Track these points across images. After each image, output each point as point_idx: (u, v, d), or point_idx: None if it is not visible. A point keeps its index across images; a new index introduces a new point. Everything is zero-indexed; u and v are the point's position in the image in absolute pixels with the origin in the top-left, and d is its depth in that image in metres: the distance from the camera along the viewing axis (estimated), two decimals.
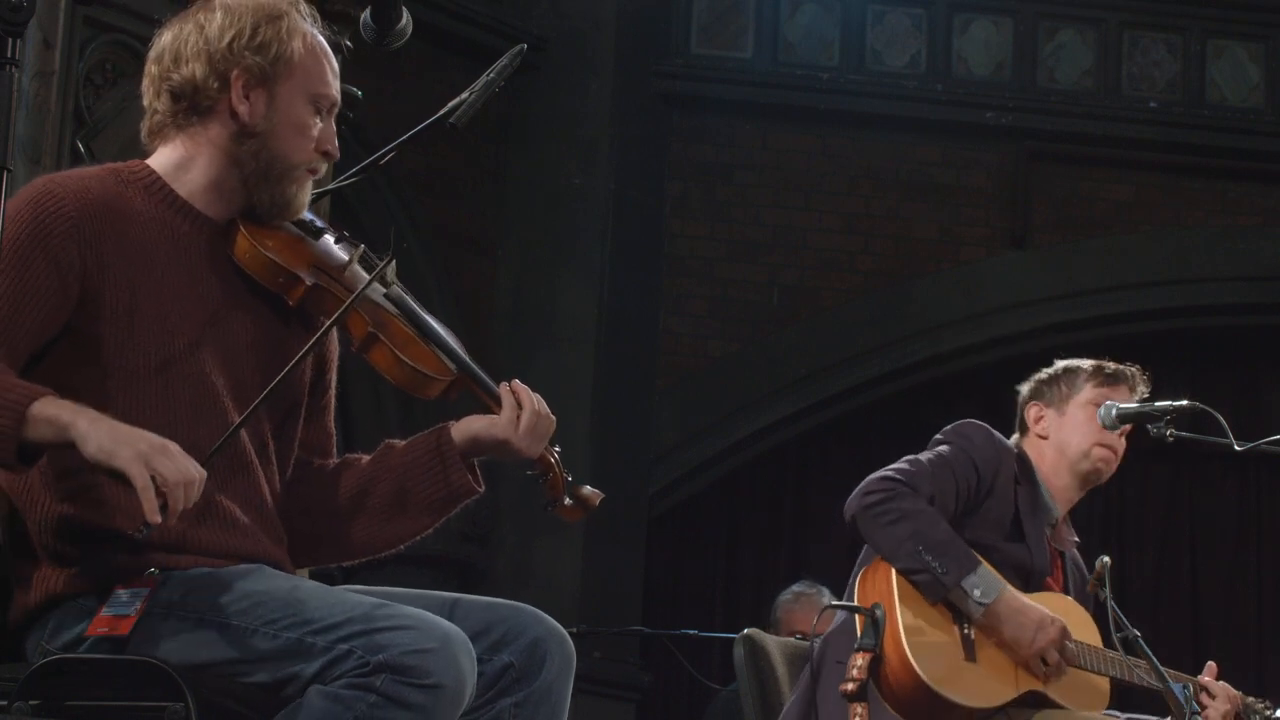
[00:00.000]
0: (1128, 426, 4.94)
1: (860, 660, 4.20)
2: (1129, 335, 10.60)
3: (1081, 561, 5.04)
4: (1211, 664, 5.07)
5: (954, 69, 10.92)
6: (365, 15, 3.68)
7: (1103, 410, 4.91)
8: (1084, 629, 4.78)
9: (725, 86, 10.69)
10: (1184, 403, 4.89)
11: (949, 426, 4.89)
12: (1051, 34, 11.00)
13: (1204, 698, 4.94)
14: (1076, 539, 5.03)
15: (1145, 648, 4.54)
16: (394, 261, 3.20)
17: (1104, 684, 4.79)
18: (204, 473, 2.91)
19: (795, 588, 7.38)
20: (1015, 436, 5.02)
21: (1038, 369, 5.13)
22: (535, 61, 9.95)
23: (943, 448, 4.80)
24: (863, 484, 4.68)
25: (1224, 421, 4.81)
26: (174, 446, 2.90)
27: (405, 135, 3.37)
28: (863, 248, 10.74)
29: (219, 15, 3.15)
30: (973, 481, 4.73)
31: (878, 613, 4.27)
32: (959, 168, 10.83)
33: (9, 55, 2.78)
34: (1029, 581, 4.75)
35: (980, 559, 4.60)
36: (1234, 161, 10.84)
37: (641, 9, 10.54)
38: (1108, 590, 4.48)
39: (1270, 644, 10.53)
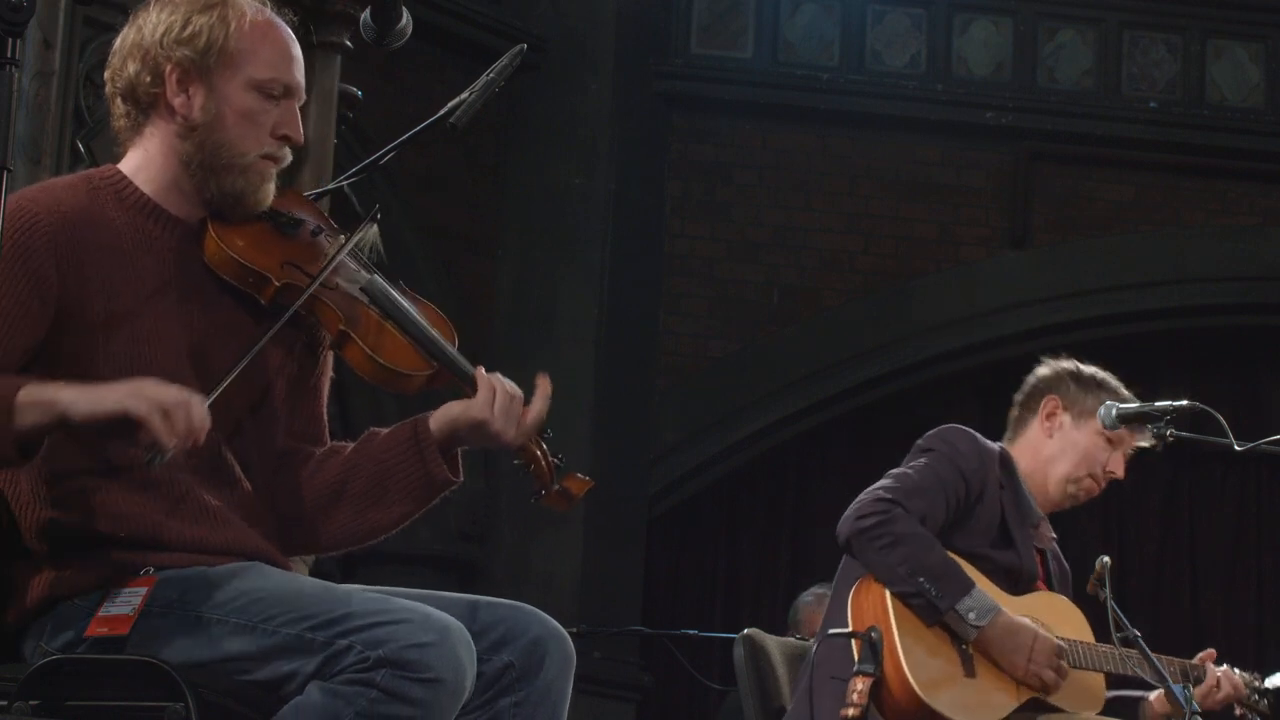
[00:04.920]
0: (1129, 450, 4.91)
1: (860, 685, 4.15)
2: (1129, 335, 10.61)
3: (1061, 556, 5.02)
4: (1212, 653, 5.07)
5: (954, 69, 10.92)
6: (365, 15, 3.68)
7: (1103, 410, 4.90)
8: (1075, 626, 4.77)
9: (725, 86, 10.69)
10: (1184, 403, 4.89)
11: (932, 432, 4.82)
12: (1051, 34, 11.00)
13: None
14: (1054, 536, 5.00)
15: (1145, 648, 4.54)
16: (374, 230, 3.15)
17: (1099, 682, 4.78)
18: (200, 396, 2.91)
19: (816, 589, 7.32)
20: (1006, 435, 4.96)
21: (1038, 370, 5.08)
22: (535, 61, 9.95)
23: (928, 457, 4.73)
24: (855, 505, 4.61)
25: (1224, 421, 4.81)
26: (153, 381, 2.90)
27: (405, 135, 3.36)
28: (863, 248, 10.74)
29: (154, 11, 3.12)
30: (961, 492, 4.68)
31: (874, 635, 4.22)
32: (959, 168, 10.82)
33: (9, 55, 2.77)
34: (1018, 585, 4.74)
35: (974, 580, 4.57)
36: (1233, 161, 10.84)
37: (641, 9, 10.54)
38: (1108, 590, 4.48)
39: (1270, 644, 10.52)
